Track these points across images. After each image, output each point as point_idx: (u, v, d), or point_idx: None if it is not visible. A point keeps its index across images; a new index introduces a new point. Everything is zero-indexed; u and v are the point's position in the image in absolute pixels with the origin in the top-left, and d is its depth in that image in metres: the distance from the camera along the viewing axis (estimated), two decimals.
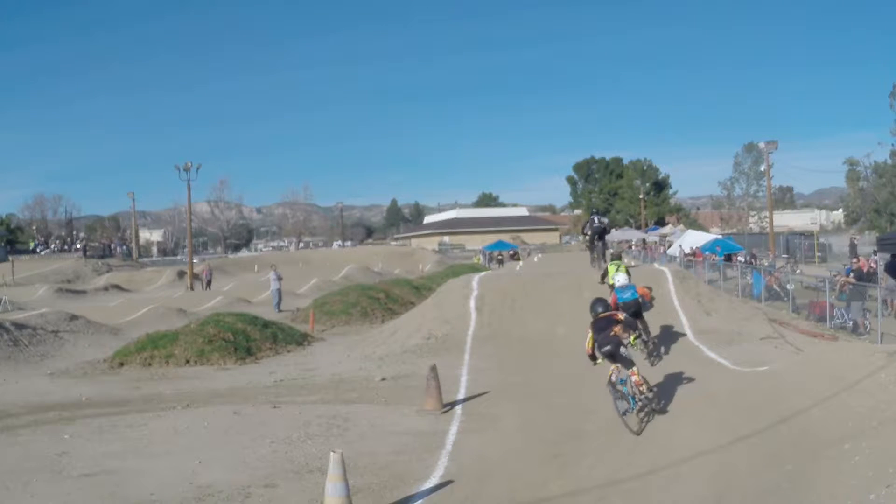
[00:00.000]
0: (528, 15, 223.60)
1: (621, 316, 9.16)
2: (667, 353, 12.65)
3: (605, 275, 13.45)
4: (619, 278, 12.56)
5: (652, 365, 11.47)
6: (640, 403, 8.31)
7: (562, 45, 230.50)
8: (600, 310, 9.09)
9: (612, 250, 17.72)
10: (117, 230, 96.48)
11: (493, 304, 15.94)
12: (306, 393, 11.49)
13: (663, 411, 8.68)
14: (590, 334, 8.84)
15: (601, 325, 8.78)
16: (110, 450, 8.09)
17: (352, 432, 8.82)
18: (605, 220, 18.40)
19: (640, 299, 12.03)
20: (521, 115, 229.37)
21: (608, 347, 8.47)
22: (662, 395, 9.40)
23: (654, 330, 13.38)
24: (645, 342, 11.91)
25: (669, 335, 13.89)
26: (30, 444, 8.43)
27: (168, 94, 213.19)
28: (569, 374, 11.83)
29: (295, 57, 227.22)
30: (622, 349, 8.49)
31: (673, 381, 10.66)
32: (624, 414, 8.35)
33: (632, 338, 8.81)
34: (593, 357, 8.82)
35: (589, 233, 17.91)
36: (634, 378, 8.39)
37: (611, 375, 8.60)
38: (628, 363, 8.49)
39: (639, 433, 8.17)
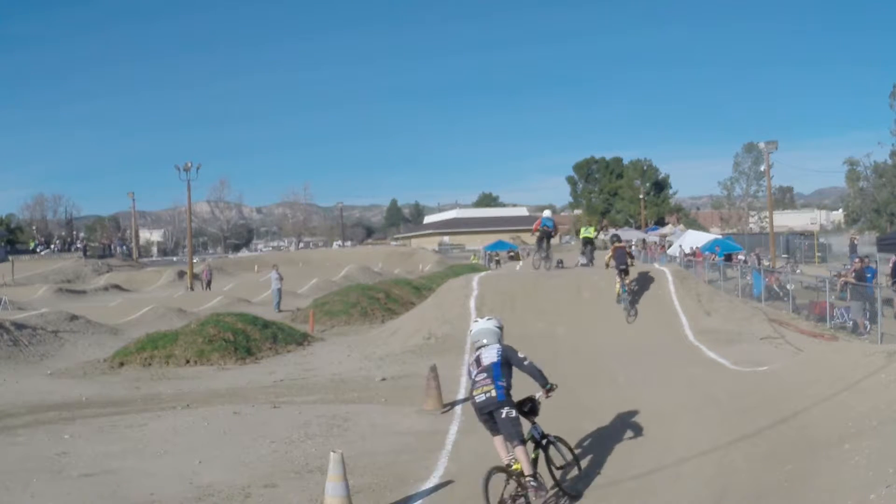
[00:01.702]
0: (528, 15, 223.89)
1: (630, 250, 15.19)
2: (667, 352, 12.66)
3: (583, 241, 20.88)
4: (546, 212, 20.17)
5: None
6: (628, 298, 15.11)
7: (562, 45, 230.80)
8: (616, 241, 16.08)
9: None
10: (117, 230, 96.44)
11: (493, 304, 15.94)
12: (306, 393, 11.49)
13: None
14: (610, 254, 15.61)
15: (619, 253, 15.42)
16: (110, 450, 8.09)
17: (352, 432, 8.82)
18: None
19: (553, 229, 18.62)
20: (521, 115, 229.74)
21: (624, 266, 15.12)
22: (662, 393, 9.53)
23: (654, 329, 13.58)
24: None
25: (669, 335, 13.90)
26: (30, 444, 8.43)
27: (168, 94, 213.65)
28: (569, 374, 11.80)
29: (295, 57, 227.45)
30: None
31: (673, 381, 10.67)
32: (621, 303, 14.93)
33: (630, 262, 15.20)
34: (607, 265, 15.66)
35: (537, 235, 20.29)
36: (627, 280, 15.23)
37: (619, 290, 15.21)
38: (627, 273, 15.25)
39: (629, 322, 14.70)
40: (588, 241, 20.58)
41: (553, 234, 18.86)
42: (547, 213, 20.33)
